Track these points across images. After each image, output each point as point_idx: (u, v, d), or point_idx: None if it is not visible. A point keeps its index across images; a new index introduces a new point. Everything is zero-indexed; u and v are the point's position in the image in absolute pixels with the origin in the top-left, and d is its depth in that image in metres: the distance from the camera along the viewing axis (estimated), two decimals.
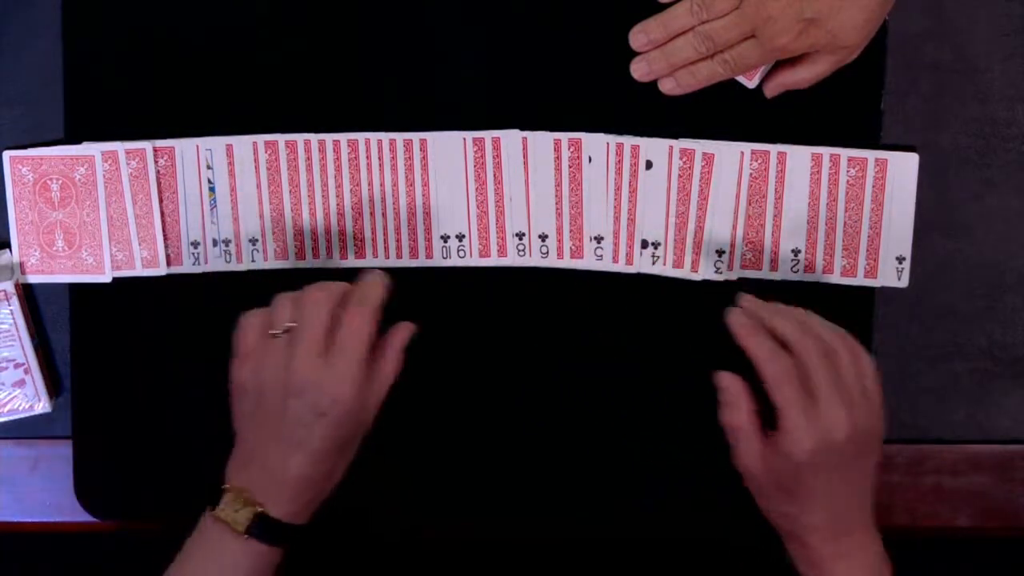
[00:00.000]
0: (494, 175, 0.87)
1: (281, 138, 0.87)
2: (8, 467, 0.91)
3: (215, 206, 0.88)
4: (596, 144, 0.86)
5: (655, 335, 0.87)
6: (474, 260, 0.88)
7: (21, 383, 0.89)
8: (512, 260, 0.88)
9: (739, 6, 0.79)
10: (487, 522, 0.89)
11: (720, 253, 0.86)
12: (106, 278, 0.89)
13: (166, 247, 0.88)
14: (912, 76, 0.86)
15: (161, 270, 0.88)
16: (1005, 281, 0.87)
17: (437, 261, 0.88)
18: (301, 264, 0.88)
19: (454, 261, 0.88)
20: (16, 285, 0.88)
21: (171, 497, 0.90)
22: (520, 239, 0.87)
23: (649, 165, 0.86)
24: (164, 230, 0.88)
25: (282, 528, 0.75)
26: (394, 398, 0.89)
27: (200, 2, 0.87)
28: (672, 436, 0.87)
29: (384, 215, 0.88)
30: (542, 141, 0.86)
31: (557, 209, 0.87)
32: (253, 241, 0.88)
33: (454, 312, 0.88)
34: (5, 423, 0.89)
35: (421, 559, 0.93)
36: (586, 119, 0.86)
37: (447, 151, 0.87)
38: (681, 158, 0.85)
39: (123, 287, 0.89)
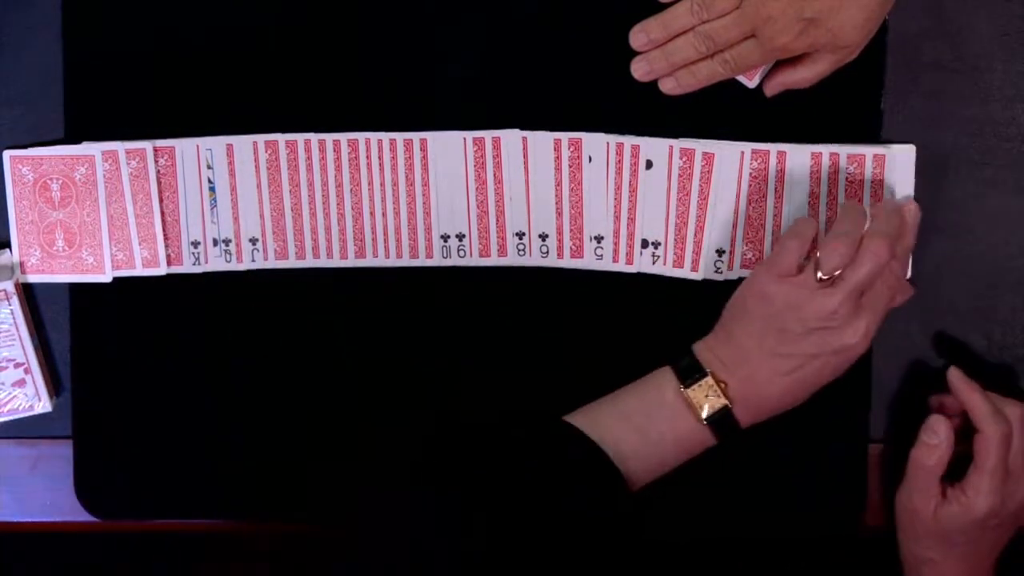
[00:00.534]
0: (494, 175, 0.87)
1: (281, 138, 0.87)
2: (8, 467, 0.91)
3: (215, 206, 0.88)
4: (596, 144, 0.86)
5: (655, 335, 0.87)
6: (474, 260, 0.88)
7: (21, 383, 0.89)
8: (512, 260, 0.88)
9: (739, 6, 0.79)
10: None
11: (720, 253, 0.86)
12: (106, 278, 0.89)
13: (166, 247, 0.88)
14: (912, 76, 0.86)
15: (161, 270, 0.88)
16: (1005, 281, 0.87)
17: (437, 261, 0.88)
18: (301, 264, 0.88)
19: (454, 261, 0.88)
20: (16, 285, 0.88)
21: (171, 497, 0.90)
22: (520, 239, 0.87)
23: (649, 165, 0.86)
24: (164, 230, 0.88)
25: (737, 429, 0.79)
26: (394, 398, 0.89)
27: (200, 2, 0.87)
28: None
29: (384, 215, 0.88)
30: (542, 141, 0.86)
31: (557, 209, 0.87)
32: (253, 241, 0.88)
33: (454, 312, 0.88)
34: (5, 423, 0.89)
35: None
36: (586, 119, 0.86)
37: (447, 151, 0.87)
38: (681, 158, 0.85)
39: (123, 287, 0.89)
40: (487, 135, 0.86)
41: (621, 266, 0.87)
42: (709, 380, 0.79)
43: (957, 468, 0.80)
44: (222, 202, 0.88)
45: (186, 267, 0.89)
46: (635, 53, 0.84)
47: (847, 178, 0.85)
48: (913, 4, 0.85)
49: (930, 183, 0.86)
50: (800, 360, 0.78)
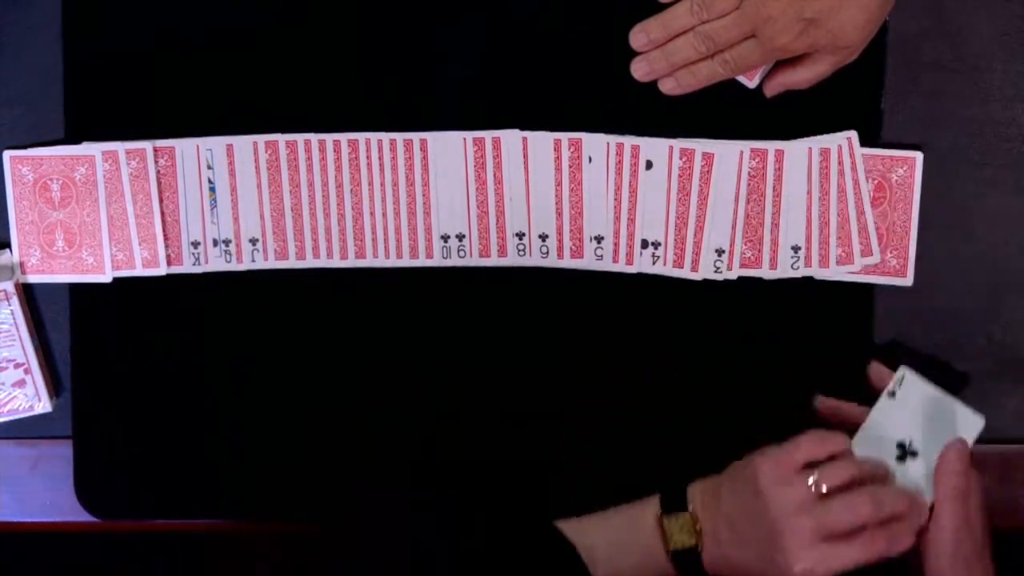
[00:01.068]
0: (494, 175, 0.87)
1: (281, 138, 0.87)
2: (8, 467, 0.91)
3: (215, 206, 0.88)
4: (596, 144, 0.86)
5: (655, 335, 0.87)
6: (474, 260, 0.88)
7: (21, 383, 0.89)
8: (512, 260, 0.88)
9: (739, 6, 0.79)
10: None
11: (720, 253, 0.86)
12: (106, 278, 0.89)
13: (166, 247, 0.88)
14: (912, 76, 0.86)
15: (161, 270, 0.88)
16: (1005, 281, 0.87)
17: (437, 261, 0.88)
18: (301, 264, 0.88)
19: (454, 261, 0.88)
20: (16, 285, 0.88)
21: (171, 497, 0.90)
22: (520, 239, 0.87)
23: (649, 165, 0.86)
24: (164, 230, 0.88)
25: (698, 570, 0.79)
26: (394, 398, 0.89)
27: (200, 2, 0.87)
28: (672, 435, 0.87)
29: (384, 215, 0.88)
30: (542, 141, 0.86)
31: (557, 209, 0.87)
32: (253, 241, 0.88)
33: (454, 312, 0.88)
34: (5, 423, 0.89)
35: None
36: (586, 119, 0.86)
37: (447, 151, 0.87)
38: (681, 158, 0.85)
39: (123, 287, 0.89)
40: (487, 135, 0.86)
41: (621, 266, 0.87)
42: (687, 517, 0.79)
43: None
44: (222, 202, 0.88)
45: (186, 267, 0.89)
46: (635, 53, 0.84)
47: (852, 179, 0.85)
48: (913, 4, 0.85)
49: (930, 183, 0.86)
50: (749, 546, 0.77)
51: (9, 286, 0.88)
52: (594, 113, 0.86)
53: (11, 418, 0.89)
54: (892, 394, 0.79)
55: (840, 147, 0.85)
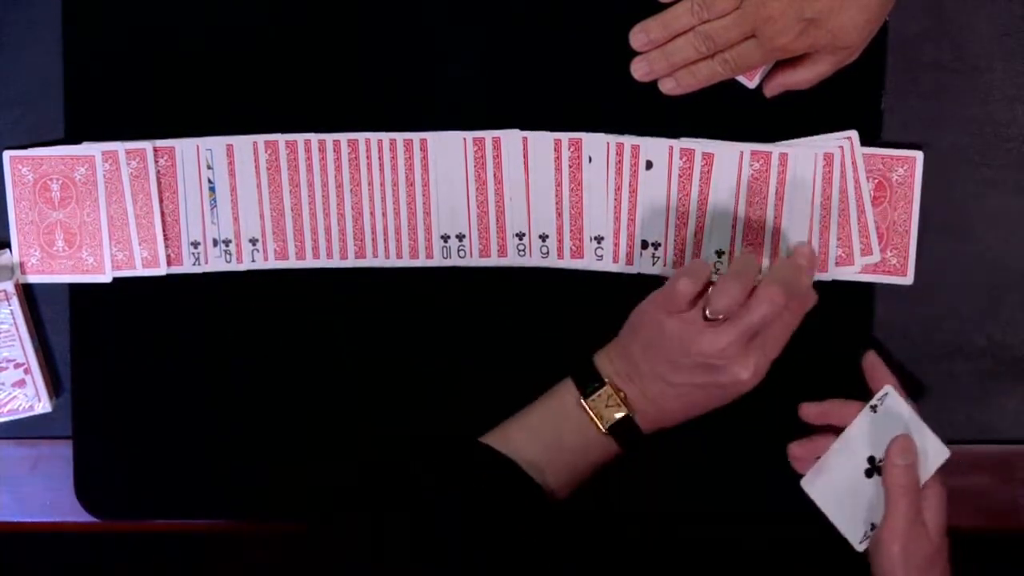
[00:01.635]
0: (494, 175, 0.87)
1: (281, 138, 0.87)
2: (8, 467, 0.91)
3: (215, 206, 0.88)
4: (596, 144, 0.86)
5: None
6: (474, 260, 0.88)
7: (21, 383, 0.89)
8: (512, 260, 0.88)
9: (740, 6, 0.79)
10: None
11: (720, 254, 0.86)
12: (106, 278, 0.89)
13: (166, 247, 0.88)
14: (912, 76, 0.86)
15: (161, 270, 0.88)
16: (1005, 281, 0.87)
17: (437, 261, 0.88)
18: (301, 264, 0.88)
19: (454, 261, 0.88)
20: (16, 285, 0.88)
21: (171, 497, 0.90)
22: (520, 239, 0.87)
23: (649, 165, 0.86)
24: (164, 230, 0.88)
25: (638, 436, 0.80)
26: (394, 398, 0.89)
27: (200, 2, 0.87)
28: (672, 435, 0.87)
29: (384, 215, 0.88)
30: (542, 141, 0.86)
31: (557, 209, 0.87)
32: (253, 241, 0.88)
33: (454, 312, 0.88)
34: (5, 423, 0.89)
35: None
36: (586, 119, 0.86)
37: (447, 151, 0.87)
38: (681, 158, 0.85)
39: (123, 287, 0.89)
40: (487, 135, 0.86)
41: (621, 266, 0.87)
42: (608, 390, 0.80)
43: None
44: (222, 202, 0.88)
45: (186, 267, 0.89)
46: (635, 53, 0.84)
47: (853, 179, 0.85)
48: (913, 4, 0.85)
49: (930, 183, 0.86)
50: (687, 388, 0.79)
51: (9, 286, 0.88)
52: (594, 113, 0.86)
53: (11, 418, 0.89)
54: (873, 408, 0.79)
55: (840, 147, 0.85)
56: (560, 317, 0.88)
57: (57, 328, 0.90)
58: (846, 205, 0.85)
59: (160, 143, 0.88)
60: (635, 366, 0.80)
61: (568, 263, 0.87)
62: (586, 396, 0.81)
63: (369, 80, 0.87)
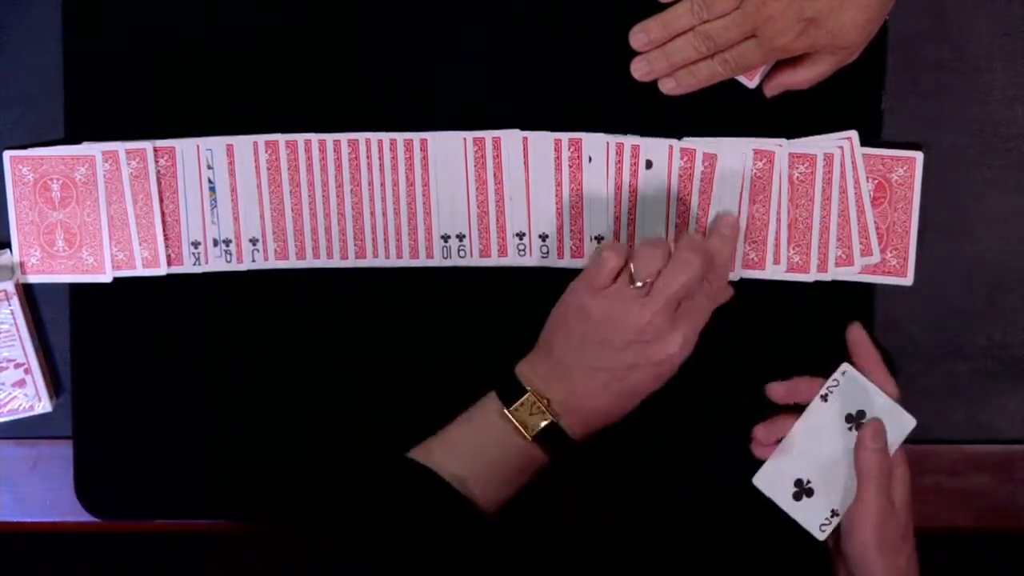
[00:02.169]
0: (494, 175, 0.87)
1: (281, 138, 0.87)
2: (8, 467, 0.91)
3: (215, 206, 0.88)
4: (596, 144, 0.86)
5: None
6: (474, 260, 0.88)
7: (21, 383, 0.89)
8: (512, 260, 0.88)
9: (740, 6, 0.79)
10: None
11: None
12: (106, 278, 0.89)
13: (166, 247, 0.88)
14: (912, 76, 0.86)
15: (161, 270, 0.88)
16: (1005, 281, 0.87)
17: (437, 261, 0.88)
18: (301, 264, 0.88)
19: (454, 261, 0.88)
20: (16, 285, 0.88)
21: (171, 497, 0.90)
22: (520, 239, 0.87)
23: (649, 165, 0.86)
24: (164, 230, 0.88)
25: (567, 443, 0.80)
26: (394, 398, 0.89)
27: (200, 2, 0.87)
28: (671, 434, 0.87)
29: (384, 215, 0.88)
30: (542, 141, 0.86)
31: (557, 209, 0.87)
32: (253, 241, 0.88)
33: (454, 312, 0.88)
34: (5, 423, 0.89)
35: None
36: (586, 119, 0.86)
37: (447, 151, 0.87)
38: (682, 158, 0.85)
39: (123, 287, 0.89)
40: (487, 135, 0.86)
41: None
42: (531, 398, 0.80)
43: None
44: (222, 202, 0.88)
45: (186, 267, 0.89)
46: (635, 53, 0.84)
47: (853, 179, 0.85)
48: (913, 4, 0.85)
49: (930, 183, 0.86)
50: (619, 372, 0.79)
51: (9, 286, 0.88)
52: (594, 113, 0.86)
53: (11, 418, 0.89)
54: (824, 398, 0.80)
55: (840, 147, 0.85)
56: None
57: (57, 328, 0.90)
58: (846, 205, 0.85)
59: (160, 143, 0.88)
60: (560, 364, 0.80)
61: (568, 263, 0.87)
62: (508, 406, 0.80)
63: (369, 80, 0.87)
